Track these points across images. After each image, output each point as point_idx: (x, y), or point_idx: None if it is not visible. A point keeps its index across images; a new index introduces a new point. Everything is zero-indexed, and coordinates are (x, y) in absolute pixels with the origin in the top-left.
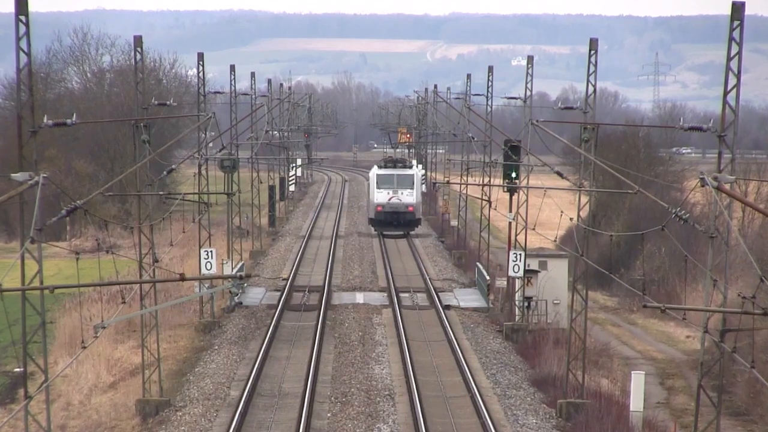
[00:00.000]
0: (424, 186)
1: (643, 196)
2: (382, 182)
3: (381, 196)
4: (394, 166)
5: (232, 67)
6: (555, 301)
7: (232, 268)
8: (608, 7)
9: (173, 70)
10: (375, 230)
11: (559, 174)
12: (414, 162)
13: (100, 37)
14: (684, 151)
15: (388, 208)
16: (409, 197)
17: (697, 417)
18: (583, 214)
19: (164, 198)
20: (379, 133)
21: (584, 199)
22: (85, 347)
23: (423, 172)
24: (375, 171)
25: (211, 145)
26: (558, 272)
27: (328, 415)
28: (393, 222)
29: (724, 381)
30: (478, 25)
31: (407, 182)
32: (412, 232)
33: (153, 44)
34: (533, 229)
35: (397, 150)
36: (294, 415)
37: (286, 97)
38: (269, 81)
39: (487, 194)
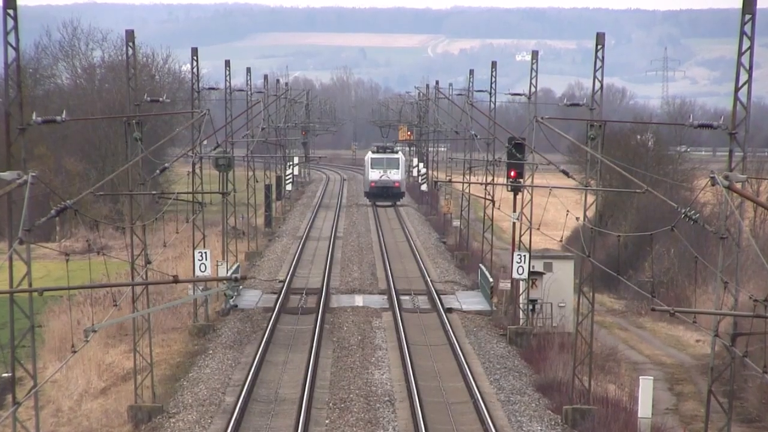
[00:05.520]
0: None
1: (651, 195)
2: (374, 164)
3: (374, 175)
4: (384, 152)
5: (227, 63)
6: (560, 304)
7: (227, 270)
8: (615, 0)
9: (166, 66)
10: (369, 201)
11: (565, 173)
12: (399, 149)
13: (90, 32)
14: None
15: (379, 183)
16: (395, 175)
17: (707, 423)
18: (590, 213)
19: (157, 197)
20: (379, 132)
21: (591, 198)
22: (75, 351)
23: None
24: (370, 155)
25: (205, 142)
26: (563, 274)
27: (327, 421)
28: (383, 195)
29: (735, 386)
30: (481, 19)
31: (394, 164)
32: (398, 203)
33: (145, 39)
34: (538, 229)
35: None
36: (291, 421)
37: (283, 94)
38: (266, 77)
39: (491, 193)
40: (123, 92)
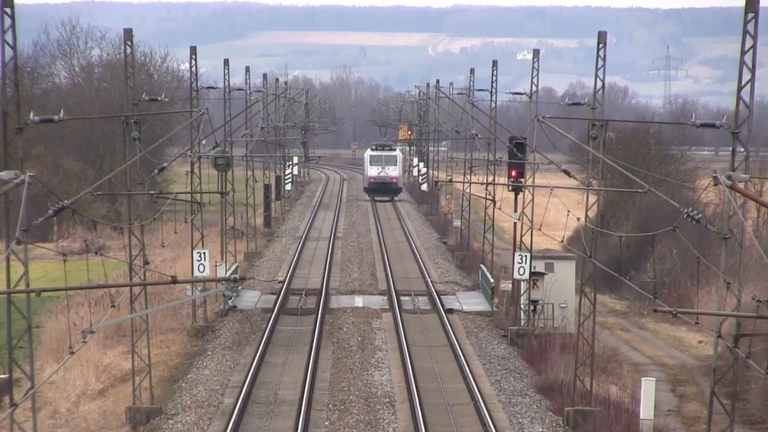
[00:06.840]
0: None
1: (653, 195)
2: (373, 161)
3: (373, 171)
4: (383, 149)
5: (226, 62)
6: (562, 305)
7: (226, 271)
8: None
9: (165, 65)
10: (368, 197)
11: (567, 172)
12: (397, 147)
13: (89, 30)
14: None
15: (378, 179)
16: (393, 172)
17: (709, 425)
18: (591, 214)
19: (155, 197)
20: (379, 132)
21: (592, 198)
22: (72, 353)
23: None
24: (369, 153)
25: (203, 142)
26: (565, 274)
27: (326, 423)
28: (381, 190)
29: (738, 388)
30: (482, 17)
31: (392, 161)
32: (396, 198)
33: (144, 37)
34: (539, 229)
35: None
36: (290, 423)
37: (282, 93)
38: (265, 76)
39: (492, 193)
40: (121, 91)
